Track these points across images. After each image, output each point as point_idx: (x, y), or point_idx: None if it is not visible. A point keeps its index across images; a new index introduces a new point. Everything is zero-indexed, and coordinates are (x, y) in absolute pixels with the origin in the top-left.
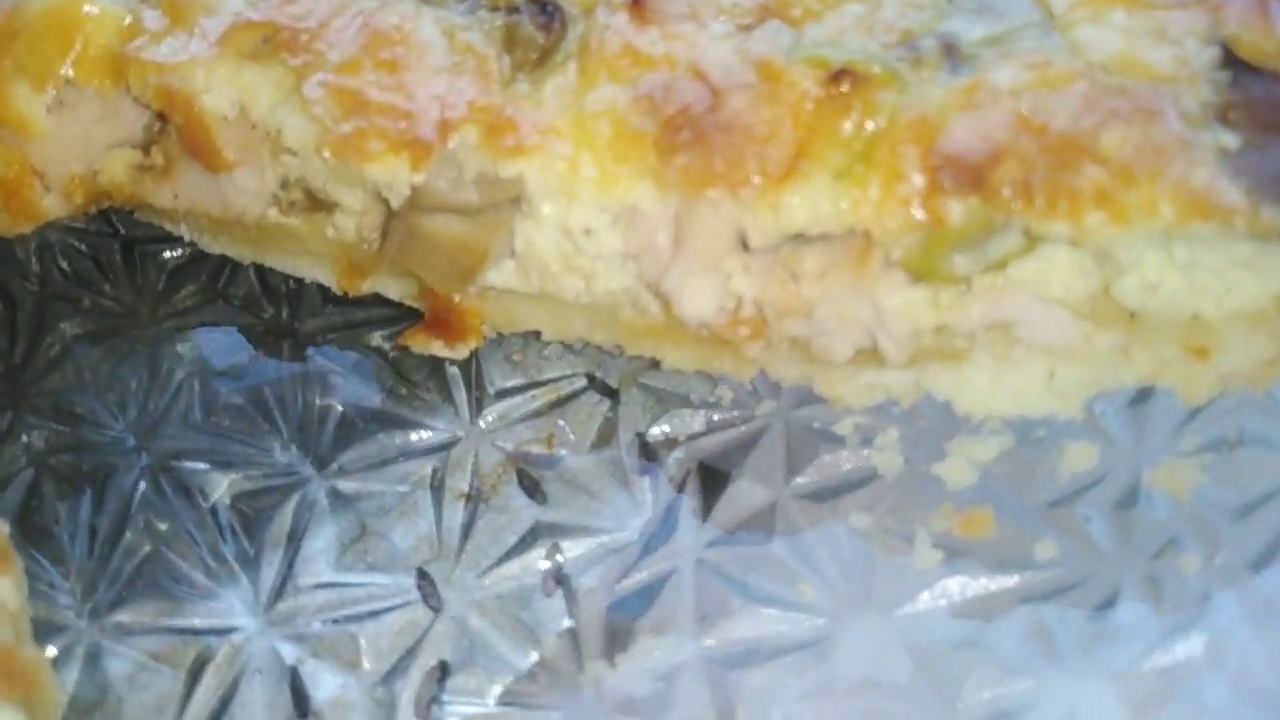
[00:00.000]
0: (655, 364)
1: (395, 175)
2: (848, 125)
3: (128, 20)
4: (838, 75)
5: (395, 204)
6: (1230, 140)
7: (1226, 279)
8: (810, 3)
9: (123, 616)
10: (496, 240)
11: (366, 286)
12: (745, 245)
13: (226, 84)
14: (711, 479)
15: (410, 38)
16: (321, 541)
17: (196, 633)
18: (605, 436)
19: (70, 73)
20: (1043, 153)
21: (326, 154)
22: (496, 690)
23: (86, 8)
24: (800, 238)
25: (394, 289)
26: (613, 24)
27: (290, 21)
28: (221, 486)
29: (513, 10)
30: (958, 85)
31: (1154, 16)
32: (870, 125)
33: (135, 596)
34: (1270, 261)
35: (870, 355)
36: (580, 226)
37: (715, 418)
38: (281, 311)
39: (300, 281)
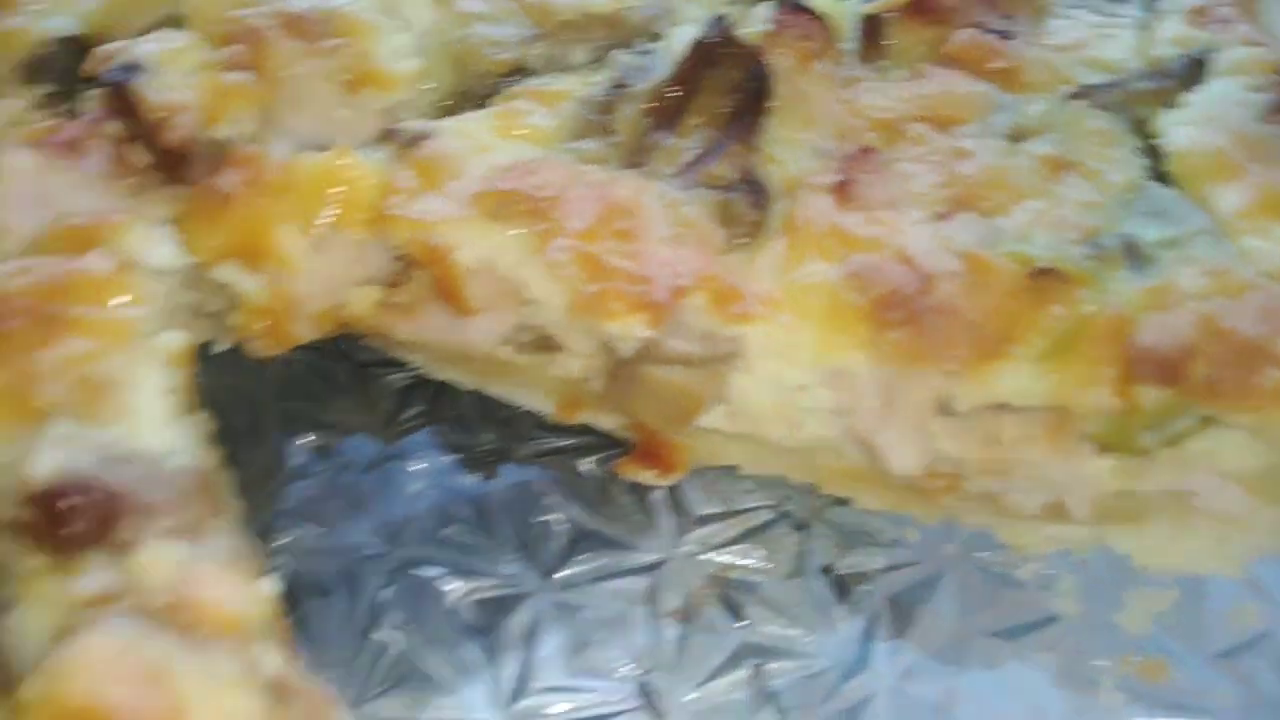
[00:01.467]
0: (842, 501)
1: (630, 331)
2: (1049, 316)
3: (383, 179)
4: (1040, 273)
5: (624, 353)
6: None
7: None
8: (997, 197)
9: (374, 710)
10: (714, 389)
11: (581, 418)
12: (949, 409)
13: (476, 242)
14: (900, 613)
15: (640, 210)
16: (550, 648)
17: None
18: (798, 567)
19: (332, 221)
20: (1227, 354)
21: (571, 311)
22: None
23: (350, 168)
24: (1002, 406)
25: (606, 421)
26: (816, 205)
27: (532, 190)
28: (459, 592)
29: (726, 188)
30: (1146, 286)
31: None
32: (1069, 318)
33: (385, 691)
34: None
35: (1056, 511)
36: (794, 383)
37: (900, 556)
38: (498, 434)
39: (515, 407)
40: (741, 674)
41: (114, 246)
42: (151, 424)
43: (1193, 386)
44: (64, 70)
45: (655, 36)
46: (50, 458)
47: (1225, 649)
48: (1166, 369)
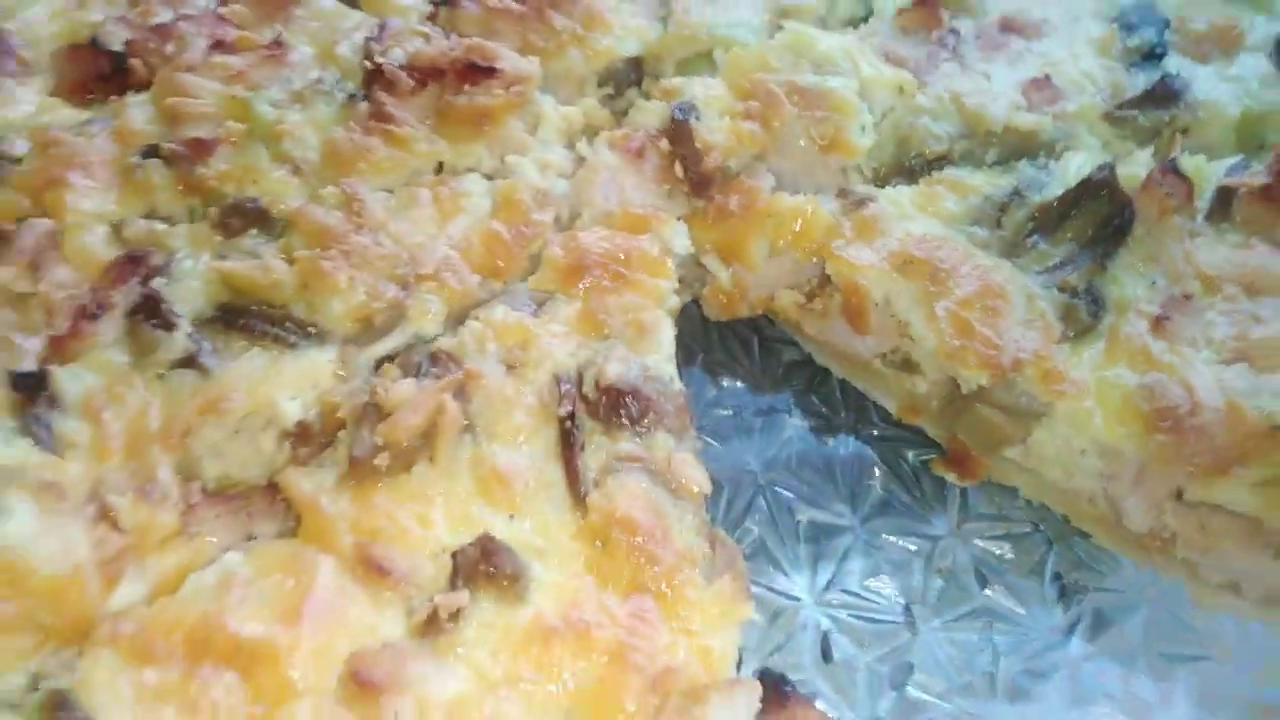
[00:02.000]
0: (1084, 534)
1: (975, 379)
2: (1273, 458)
3: (830, 225)
4: (1277, 429)
5: (964, 390)
6: None
7: None
8: (1271, 360)
9: None
10: (1020, 434)
11: (915, 421)
12: (1180, 497)
13: (883, 284)
14: (1100, 622)
15: (1007, 294)
16: (854, 568)
17: (774, 592)
18: (1037, 569)
19: (787, 246)
20: None
21: (937, 353)
22: (940, 688)
23: (813, 212)
24: (1218, 506)
25: (932, 429)
26: (1137, 326)
27: (936, 261)
28: (802, 513)
29: (1074, 294)
30: None
31: None
32: None
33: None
34: None
35: (1233, 587)
36: (1078, 447)
37: (1112, 583)
38: (851, 414)
39: (868, 398)
40: (976, 624)
41: (658, 234)
42: (665, 358)
43: None
44: (621, 80)
45: (1053, 153)
46: (616, 368)
47: None
48: None
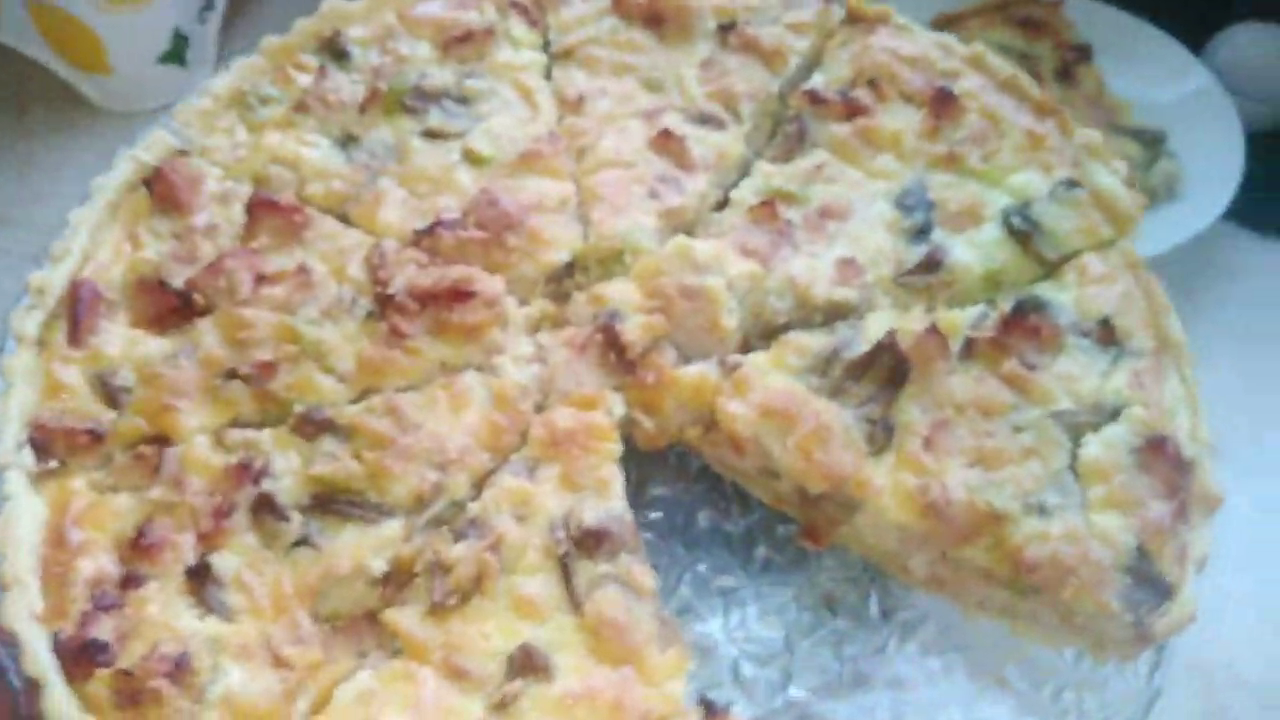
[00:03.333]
0: (893, 577)
1: (817, 488)
2: (993, 533)
3: (714, 385)
4: (995, 515)
5: (810, 492)
6: None
7: None
8: (996, 462)
9: None
10: (846, 517)
11: (781, 508)
12: (944, 555)
13: (751, 427)
14: (906, 629)
15: (832, 428)
16: (751, 611)
17: (701, 635)
18: (865, 601)
19: (688, 401)
20: (1054, 572)
21: (790, 471)
22: (811, 686)
23: (702, 380)
24: (966, 560)
25: (793, 514)
26: (914, 444)
27: (784, 408)
28: (713, 579)
29: (874, 424)
30: (1039, 530)
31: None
32: (1001, 535)
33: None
34: None
35: (982, 603)
36: (882, 526)
37: (911, 604)
38: (739, 500)
39: (749, 494)
40: (830, 640)
41: (604, 407)
42: (619, 500)
43: (1035, 579)
44: (560, 277)
45: (860, 315)
46: (589, 514)
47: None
48: (1029, 569)
